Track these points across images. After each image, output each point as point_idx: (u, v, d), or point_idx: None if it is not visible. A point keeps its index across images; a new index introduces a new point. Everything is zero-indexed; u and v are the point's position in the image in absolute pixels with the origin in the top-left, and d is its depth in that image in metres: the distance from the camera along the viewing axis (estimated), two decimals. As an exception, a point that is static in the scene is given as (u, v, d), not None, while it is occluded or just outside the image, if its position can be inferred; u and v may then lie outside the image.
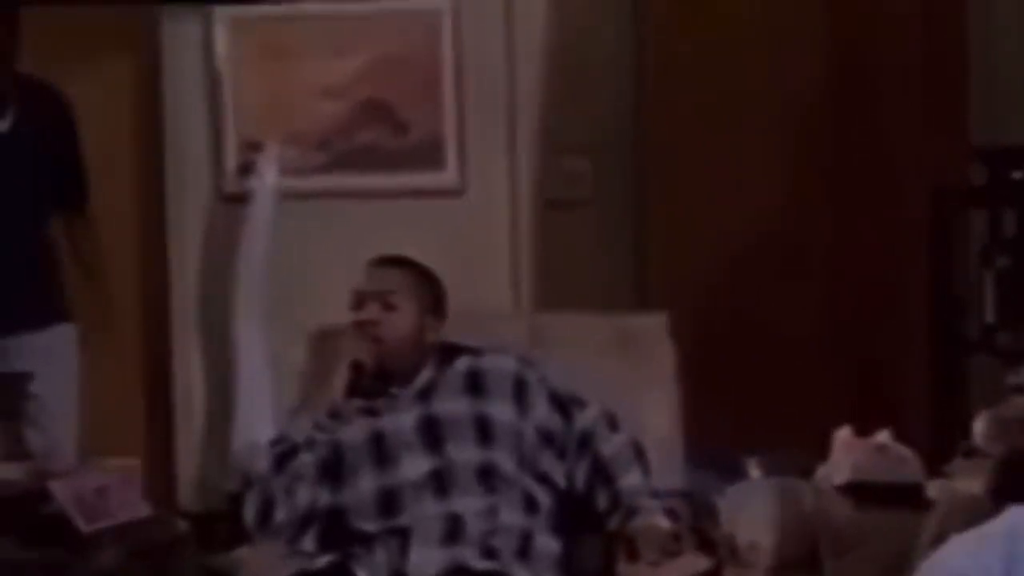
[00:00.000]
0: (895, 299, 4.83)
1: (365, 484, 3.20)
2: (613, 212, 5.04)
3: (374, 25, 4.88)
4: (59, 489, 3.31)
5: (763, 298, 4.91)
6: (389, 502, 3.17)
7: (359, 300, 3.34)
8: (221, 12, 4.97)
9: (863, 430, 3.40)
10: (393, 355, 3.32)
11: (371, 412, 3.29)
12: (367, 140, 4.89)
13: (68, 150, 4.19)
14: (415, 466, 3.19)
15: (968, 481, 3.01)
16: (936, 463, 3.30)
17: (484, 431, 3.24)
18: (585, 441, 3.27)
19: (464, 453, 3.21)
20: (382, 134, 4.90)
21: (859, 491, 3.21)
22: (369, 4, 4.86)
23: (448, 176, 4.89)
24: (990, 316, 4.29)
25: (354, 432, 3.26)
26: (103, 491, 3.35)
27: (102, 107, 4.81)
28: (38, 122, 4.12)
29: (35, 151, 4.10)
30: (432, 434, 3.23)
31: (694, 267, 4.89)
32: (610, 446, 3.26)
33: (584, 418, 3.29)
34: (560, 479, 3.26)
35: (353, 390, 3.32)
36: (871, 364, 4.87)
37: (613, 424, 3.31)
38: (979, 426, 3.23)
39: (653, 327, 3.69)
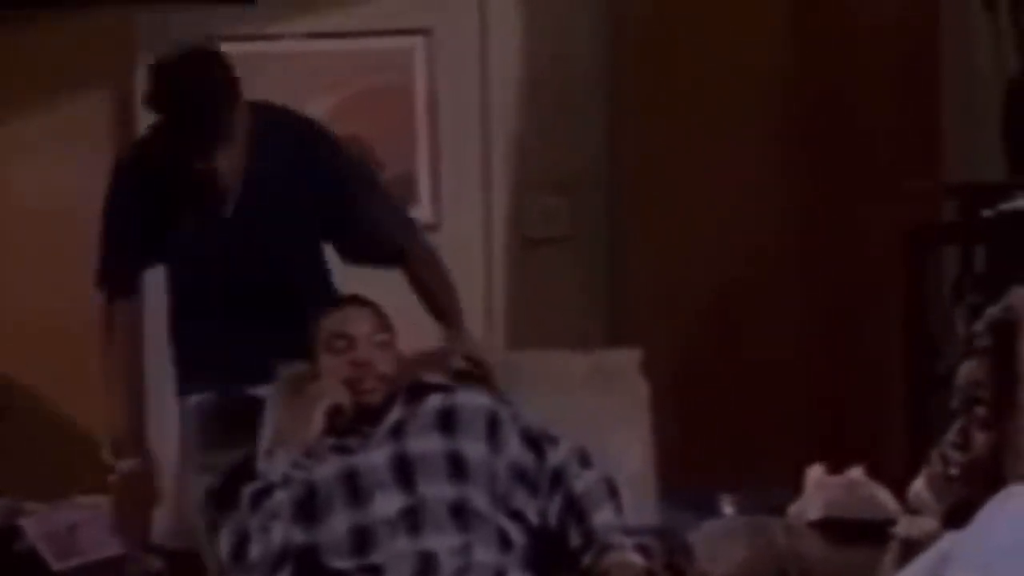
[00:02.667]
0: (867, 336, 4.85)
1: (338, 522, 3.20)
2: (588, 250, 5.05)
3: (348, 63, 4.90)
4: (31, 526, 3.30)
5: (736, 336, 4.92)
6: (362, 540, 3.17)
7: (349, 343, 3.35)
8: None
9: (836, 467, 3.41)
10: (378, 394, 3.33)
11: (344, 450, 3.29)
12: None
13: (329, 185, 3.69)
14: (388, 504, 3.19)
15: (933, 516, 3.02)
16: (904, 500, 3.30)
17: (457, 468, 3.23)
18: (558, 478, 3.27)
19: (437, 490, 3.20)
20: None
21: (832, 528, 3.22)
22: (343, 42, 4.88)
23: (421, 211, 4.90)
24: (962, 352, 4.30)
25: (327, 470, 3.25)
26: (74, 529, 3.34)
27: (78, 141, 4.82)
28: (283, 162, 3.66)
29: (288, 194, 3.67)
30: (404, 471, 3.23)
31: (669, 305, 4.91)
32: (582, 483, 3.26)
33: (556, 455, 3.29)
34: (533, 516, 3.25)
35: (331, 429, 3.32)
36: (844, 401, 4.89)
37: (585, 461, 3.31)
38: (915, 491, 3.21)
39: (627, 364, 3.69)
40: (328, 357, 3.35)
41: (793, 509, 3.31)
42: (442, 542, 3.13)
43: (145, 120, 4.93)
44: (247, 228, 3.67)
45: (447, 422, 3.29)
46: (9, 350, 4.85)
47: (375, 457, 3.25)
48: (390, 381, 3.33)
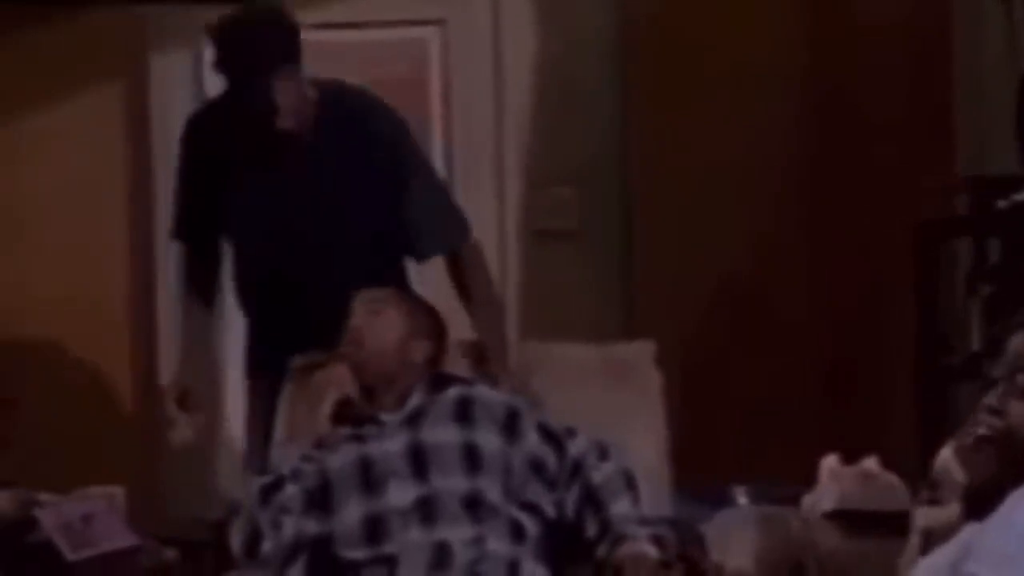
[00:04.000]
0: (880, 328, 4.85)
1: (352, 511, 3.20)
2: (600, 242, 5.05)
3: (361, 55, 4.89)
4: (45, 517, 3.31)
5: (749, 328, 4.92)
6: (376, 530, 3.17)
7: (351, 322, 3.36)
8: (210, 48, 4.98)
9: (850, 458, 3.40)
10: (374, 366, 3.32)
11: (358, 439, 3.29)
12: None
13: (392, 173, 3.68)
14: (402, 493, 3.19)
15: (951, 507, 3.01)
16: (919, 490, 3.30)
17: (471, 460, 3.24)
18: (576, 469, 3.27)
19: (450, 482, 3.20)
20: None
21: (846, 519, 3.21)
22: (356, 34, 4.88)
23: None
24: (976, 344, 4.30)
25: (341, 458, 3.25)
26: (89, 519, 3.35)
27: (91, 142, 4.83)
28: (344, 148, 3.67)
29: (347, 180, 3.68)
30: (419, 461, 3.23)
31: (681, 296, 4.90)
32: (600, 474, 3.27)
33: (576, 446, 3.29)
34: (549, 508, 3.26)
35: (339, 420, 3.32)
36: (858, 391, 4.88)
37: (603, 453, 3.31)
38: (941, 460, 3.21)
39: (640, 356, 3.69)
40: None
41: (807, 500, 3.29)
42: (456, 533, 3.13)
43: (157, 118, 4.99)
44: (311, 197, 3.67)
45: (464, 413, 3.30)
46: (23, 341, 4.86)
47: (390, 446, 3.25)
48: (379, 352, 3.32)
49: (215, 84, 4.91)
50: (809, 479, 3.36)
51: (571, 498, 3.25)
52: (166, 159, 4.97)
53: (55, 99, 4.91)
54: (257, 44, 3.55)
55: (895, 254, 4.64)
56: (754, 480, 3.54)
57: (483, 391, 3.36)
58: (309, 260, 3.72)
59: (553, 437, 3.30)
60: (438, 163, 4.87)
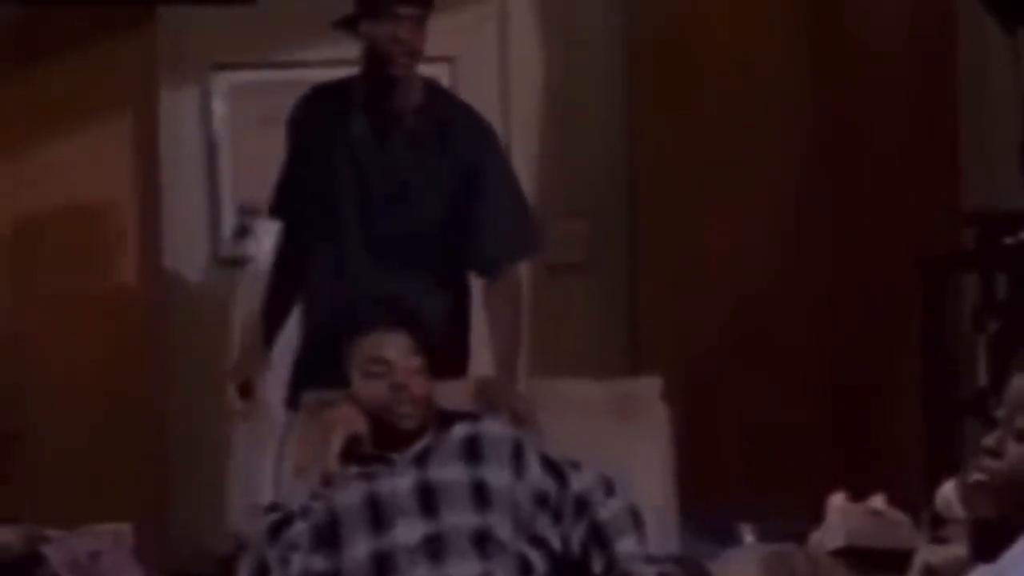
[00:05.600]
0: (887, 364, 4.84)
1: (360, 548, 3.20)
2: (608, 275, 5.05)
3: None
4: (53, 554, 3.31)
5: (757, 363, 4.92)
6: (383, 567, 3.17)
7: (386, 367, 3.34)
8: (219, 78, 5.01)
9: (857, 495, 3.40)
10: (417, 418, 3.33)
11: (367, 476, 3.30)
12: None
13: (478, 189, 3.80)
14: (410, 531, 3.19)
15: (959, 545, 3.01)
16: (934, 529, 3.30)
17: (480, 496, 3.24)
18: (582, 505, 3.27)
19: (460, 518, 3.21)
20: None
21: (853, 557, 3.21)
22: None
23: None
24: (982, 380, 4.30)
25: (349, 496, 3.26)
26: (96, 556, 3.35)
27: (100, 170, 4.85)
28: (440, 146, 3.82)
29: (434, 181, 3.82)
30: (428, 499, 3.23)
31: (688, 331, 4.90)
32: (606, 511, 3.27)
33: (580, 481, 3.30)
34: (556, 542, 3.26)
35: (348, 458, 3.33)
36: (864, 428, 4.88)
37: (610, 489, 3.31)
38: (943, 494, 3.21)
39: (647, 392, 3.69)
40: (365, 381, 3.36)
41: (814, 537, 3.30)
42: (463, 570, 3.14)
43: (166, 149, 5.00)
44: (395, 181, 3.79)
45: (471, 450, 3.30)
46: (29, 375, 4.87)
47: (398, 484, 3.25)
48: (424, 404, 3.33)
49: (223, 116, 4.98)
50: (815, 512, 3.36)
51: (577, 534, 3.25)
52: (175, 190, 5.00)
53: (65, 131, 4.93)
54: None
55: (901, 287, 4.64)
56: (760, 514, 3.54)
57: (489, 427, 3.36)
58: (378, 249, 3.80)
59: (555, 468, 3.31)
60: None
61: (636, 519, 3.28)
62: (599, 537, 3.24)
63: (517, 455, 3.30)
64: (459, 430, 3.34)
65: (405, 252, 3.81)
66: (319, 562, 3.20)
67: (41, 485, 4.42)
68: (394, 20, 3.76)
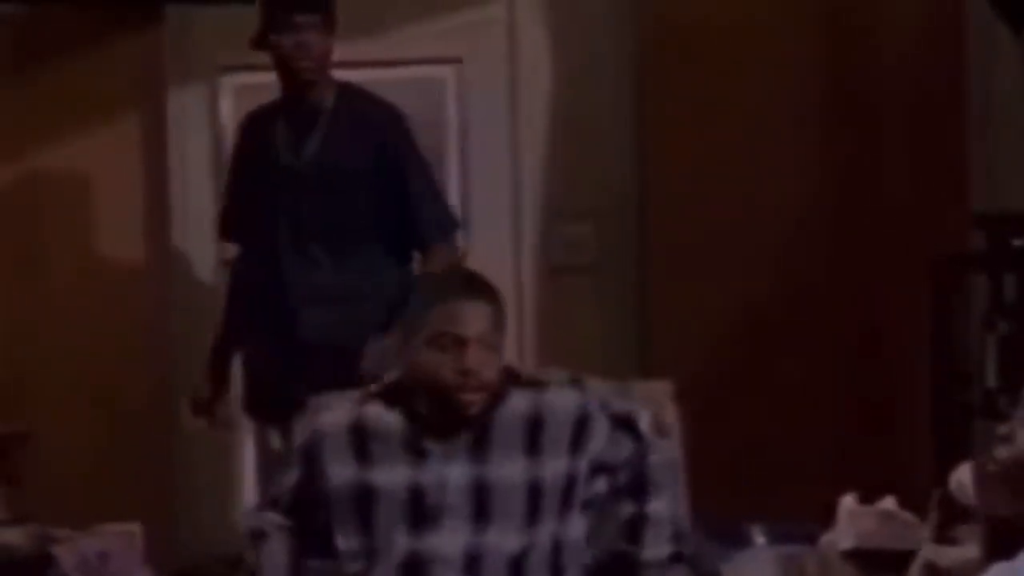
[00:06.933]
0: (897, 365, 4.84)
1: (398, 546, 2.90)
2: (616, 278, 5.05)
3: (380, 92, 4.90)
4: (62, 554, 3.31)
5: (766, 365, 4.91)
6: (416, 572, 2.90)
7: (459, 343, 2.90)
8: (227, 80, 5.01)
9: (867, 497, 3.40)
10: (481, 405, 2.92)
11: (415, 456, 2.95)
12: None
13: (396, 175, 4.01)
14: (454, 538, 2.90)
15: (971, 546, 3.01)
16: (939, 529, 3.29)
17: (534, 502, 2.94)
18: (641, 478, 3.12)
19: (503, 538, 2.92)
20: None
21: (864, 558, 3.21)
22: (373, 72, 4.89)
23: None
24: (992, 381, 4.29)
25: (392, 477, 2.93)
26: (106, 557, 3.35)
27: (108, 171, 4.85)
28: (352, 145, 4.02)
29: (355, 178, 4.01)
30: (481, 502, 2.93)
31: (696, 333, 4.90)
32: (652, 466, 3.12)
33: (653, 457, 3.13)
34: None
35: (390, 438, 2.94)
36: (874, 429, 4.88)
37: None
38: (958, 477, 3.20)
39: (658, 395, 3.67)
40: (430, 352, 2.91)
41: (825, 539, 3.30)
42: None
43: (175, 149, 5.01)
44: (318, 180, 3.96)
45: (533, 436, 2.95)
46: (39, 377, 4.87)
47: (450, 476, 2.93)
48: (494, 388, 2.93)
49: (231, 118, 4.97)
50: (827, 518, 3.36)
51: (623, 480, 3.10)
52: (184, 192, 5.00)
53: (73, 132, 4.93)
54: None
55: (910, 289, 4.64)
56: (772, 519, 3.53)
57: (553, 399, 2.98)
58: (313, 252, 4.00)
59: (625, 423, 3.04)
60: (455, 200, 4.90)
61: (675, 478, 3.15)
62: (638, 487, 3.01)
63: (580, 431, 2.98)
64: (520, 404, 2.96)
65: (339, 246, 3.98)
66: (352, 539, 2.92)
67: (50, 486, 4.41)
68: (295, 29, 3.95)
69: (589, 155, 5.06)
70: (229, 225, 4.22)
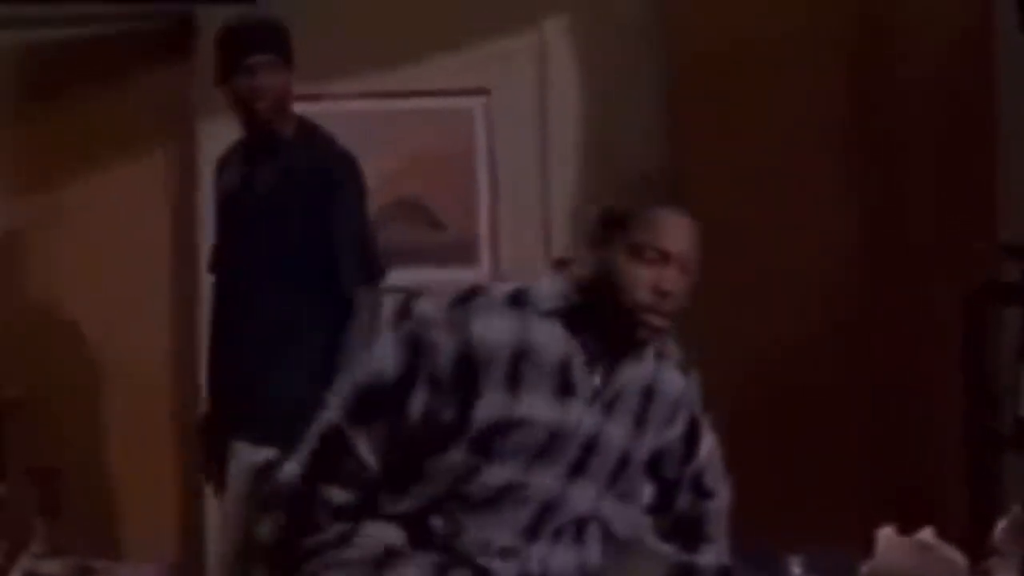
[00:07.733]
0: (930, 397, 4.83)
1: (503, 469, 2.69)
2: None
3: (408, 124, 4.91)
4: (99, 587, 3.31)
5: (801, 396, 4.90)
6: (504, 497, 2.69)
7: (662, 258, 2.72)
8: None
9: (902, 527, 3.38)
10: (664, 334, 2.78)
11: (566, 389, 2.73)
12: (399, 237, 4.91)
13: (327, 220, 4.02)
14: (551, 483, 2.72)
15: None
16: (973, 560, 3.29)
17: (616, 475, 2.81)
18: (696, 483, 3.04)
19: (584, 498, 2.78)
20: (415, 231, 4.93)
21: (903, 589, 3.19)
22: (402, 103, 4.91)
23: (481, 272, 4.92)
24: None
25: (545, 414, 2.70)
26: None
27: (141, 196, 4.87)
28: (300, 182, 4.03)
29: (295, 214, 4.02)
30: (584, 458, 2.76)
31: (728, 364, 4.88)
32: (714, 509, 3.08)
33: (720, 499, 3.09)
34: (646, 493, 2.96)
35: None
36: (908, 461, 4.86)
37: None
38: (1001, 526, 3.21)
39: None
40: (630, 263, 2.72)
41: (864, 571, 3.28)
42: (547, 551, 2.78)
43: (206, 181, 5.01)
44: (268, 213, 4.01)
45: (643, 408, 2.82)
46: (68, 412, 4.88)
47: (585, 421, 2.74)
48: (673, 319, 2.74)
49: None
50: (865, 549, 3.35)
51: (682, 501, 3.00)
52: (214, 222, 5.00)
53: (103, 164, 4.95)
54: (245, 31, 4.04)
55: (941, 320, 4.63)
56: (810, 550, 3.52)
57: (666, 375, 2.86)
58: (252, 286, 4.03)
59: (692, 438, 2.95)
60: (483, 232, 4.89)
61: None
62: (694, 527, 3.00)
63: (672, 416, 2.90)
64: (647, 369, 2.81)
65: (284, 280, 3.99)
66: (449, 411, 2.66)
67: (86, 518, 4.42)
68: (250, 72, 3.99)
69: (619, 186, 5.05)
70: (212, 264, 4.25)
